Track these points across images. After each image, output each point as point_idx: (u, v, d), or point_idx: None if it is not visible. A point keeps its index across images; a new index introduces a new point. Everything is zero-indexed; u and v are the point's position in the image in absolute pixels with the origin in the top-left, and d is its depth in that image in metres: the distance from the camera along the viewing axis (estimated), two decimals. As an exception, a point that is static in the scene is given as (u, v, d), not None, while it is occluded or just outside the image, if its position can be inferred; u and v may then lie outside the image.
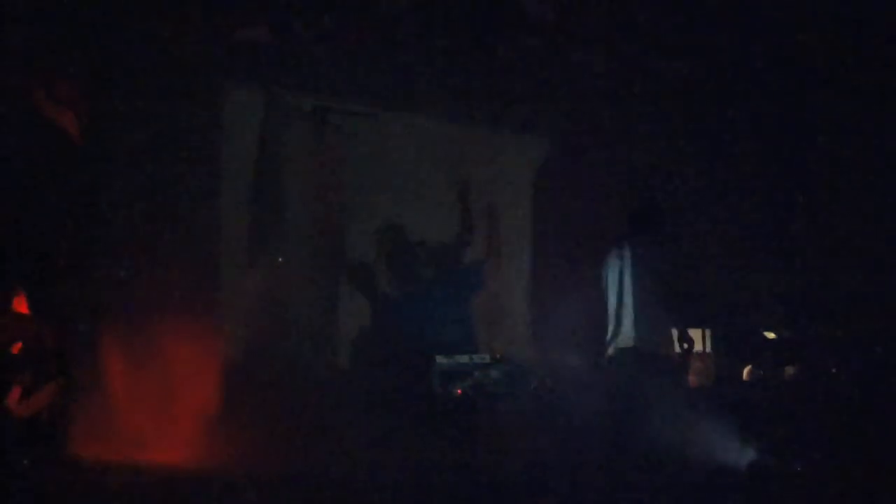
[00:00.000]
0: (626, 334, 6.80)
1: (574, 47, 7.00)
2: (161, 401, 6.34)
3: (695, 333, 7.08)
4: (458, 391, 6.20)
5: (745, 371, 7.08)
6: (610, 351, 6.82)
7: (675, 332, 6.90)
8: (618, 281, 6.78)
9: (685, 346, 6.86)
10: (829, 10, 6.51)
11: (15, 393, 5.94)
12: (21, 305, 6.01)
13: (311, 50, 6.61)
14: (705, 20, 6.83)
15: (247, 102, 6.91)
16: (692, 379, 7.02)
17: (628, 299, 6.90)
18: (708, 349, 7.44)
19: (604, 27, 6.93)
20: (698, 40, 7.05)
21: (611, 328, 6.87)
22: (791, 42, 6.95)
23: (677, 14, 6.82)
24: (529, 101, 7.38)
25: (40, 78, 6.27)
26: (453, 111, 7.47)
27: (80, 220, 6.35)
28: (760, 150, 7.40)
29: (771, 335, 7.19)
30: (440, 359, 6.31)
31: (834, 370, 6.93)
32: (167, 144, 6.52)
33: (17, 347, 5.93)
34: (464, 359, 6.36)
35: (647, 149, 7.73)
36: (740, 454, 6.32)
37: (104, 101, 6.40)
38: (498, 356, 6.59)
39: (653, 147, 7.65)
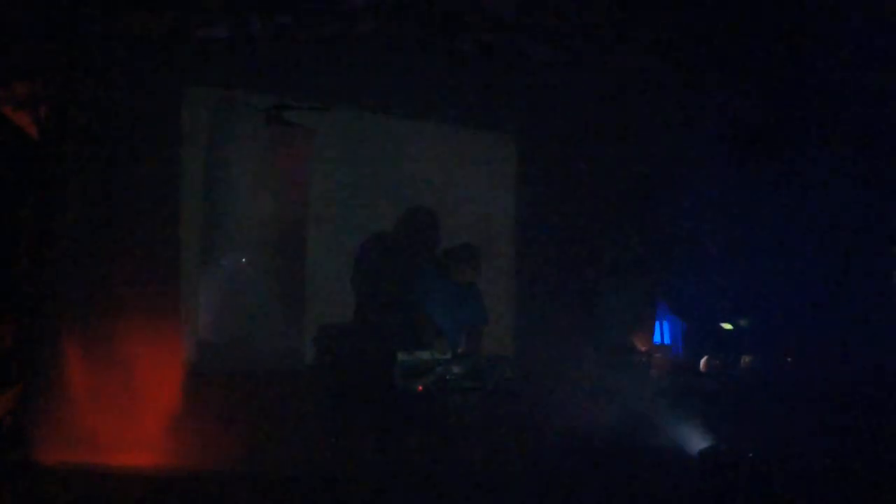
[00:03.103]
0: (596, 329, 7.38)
1: (533, 42, 7.37)
2: (123, 401, 6.74)
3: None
4: (419, 388, 6.55)
5: (703, 362, 7.64)
6: (577, 345, 7.38)
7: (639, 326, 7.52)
8: (585, 277, 7.35)
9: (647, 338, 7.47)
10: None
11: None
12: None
13: (268, 48, 6.95)
14: (668, 11, 7.21)
15: (203, 101, 7.23)
16: (652, 370, 7.56)
17: (596, 294, 7.48)
18: (666, 341, 8.01)
19: (563, 22, 7.30)
20: (660, 32, 7.45)
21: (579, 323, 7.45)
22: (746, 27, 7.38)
23: (639, 7, 7.22)
24: (490, 98, 7.80)
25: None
26: (412, 107, 7.88)
27: (39, 219, 6.76)
28: (722, 142, 7.87)
29: (728, 326, 7.75)
30: (401, 355, 6.58)
31: (789, 360, 7.51)
32: (125, 143, 6.91)
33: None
34: (424, 354, 6.64)
35: (612, 143, 8.24)
36: (697, 441, 6.92)
37: (62, 101, 6.77)
38: (460, 351, 6.97)
39: (617, 142, 8.14)
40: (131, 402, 6.76)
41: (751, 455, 6.68)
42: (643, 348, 7.53)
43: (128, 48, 6.83)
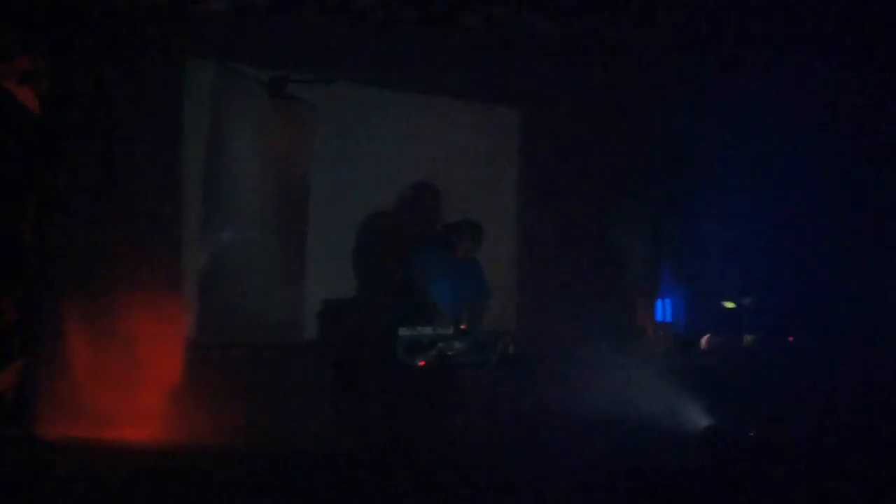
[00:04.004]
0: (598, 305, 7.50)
1: (537, 16, 7.41)
2: (126, 378, 6.82)
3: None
4: (421, 363, 6.66)
5: (704, 340, 7.77)
6: (580, 320, 7.49)
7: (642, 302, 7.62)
8: (590, 254, 7.45)
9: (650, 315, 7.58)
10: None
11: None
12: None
13: (271, 20, 6.99)
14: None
15: (204, 74, 7.33)
16: (654, 347, 7.69)
17: (599, 270, 7.59)
18: (668, 318, 8.13)
19: None
20: (668, 10, 7.51)
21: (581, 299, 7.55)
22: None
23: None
24: (496, 73, 7.85)
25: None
26: (417, 82, 7.99)
27: (41, 194, 6.82)
28: (724, 125, 7.94)
29: (730, 304, 7.87)
30: (403, 330, 6.66)
31: (791, 339, 7.63)
32: (125, 117, 6.96)
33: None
34: (426, 329, 6.71)
35: (617, 118, 8.31)
36: (698, 419, 7.04)
37: (61, 75, 6.81)
38: (462, 326, 7.08)
39: (622, 116, 8.20)
40: (132, 376, 6.84)
41: (752, 434, 6.81)
42: (646, 325, 7.65)
43: (127, 21, 6.85)
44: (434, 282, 7.19)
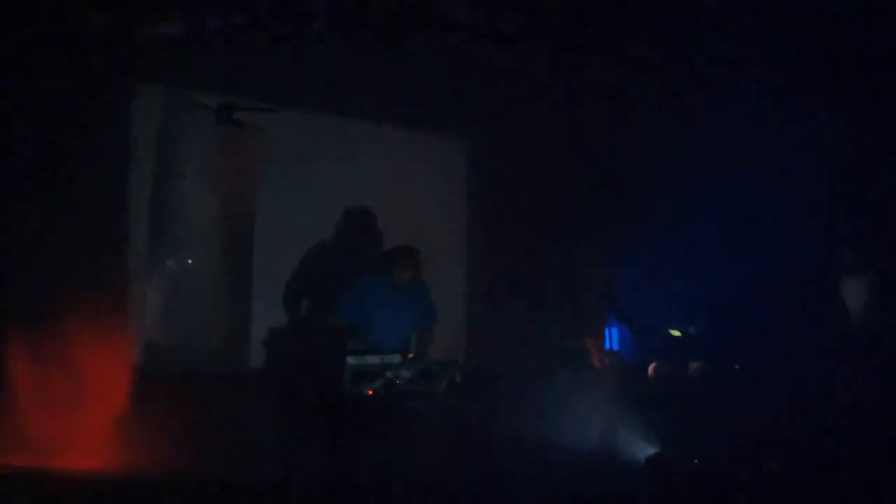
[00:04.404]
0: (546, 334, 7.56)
1: (492, 47, 7.51)
2: (67, 405, 6.77)
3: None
4: (370, 392, 6.67)
5: (651, 367, 7.87)
6: (528, 349, 7.55)
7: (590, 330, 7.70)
8: (538, 283, 7.52)
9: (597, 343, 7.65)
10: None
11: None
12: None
13: (220, 47, 7.02)
14: (625, 20, 7.43)
15: (151, 100, 7.33)
16: (601, 375, 7.76)
17: (547, 299, 7.65)
18: (615, 346, 8.22)
19: (522, 26, 7.46)
20: (616, 40, 7.65)
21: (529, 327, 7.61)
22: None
23: (597, 13, 7.39)
24: (445, 102, 7.98)
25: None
26: (367, 111, 8.05)
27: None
28: (672, 153, 8.09)
29: (676, 333, 7.98)
30: (351, 359, 6.65)
31: (737, 366, 7.75)
32: (71, 142, 6.97)
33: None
34: (374, 359, 6.70)
35: (567, 149, 8.41)
36: (643, 447, 7.13)
37: (5, 96, 6.79)
38: (410, 355, 7.11)
39: (573, 148, 8.31)
40: (77, 404, 6.80)
41: (697, 462, 6.90)
42: (593, 353, 7.72)
43: (76, 44, 6.87)
44: (376, 309, 7.20)
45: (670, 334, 7.99)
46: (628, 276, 7.95)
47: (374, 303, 7.20)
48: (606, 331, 8.12)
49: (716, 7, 7.20)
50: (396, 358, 6.81)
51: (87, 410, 6.82)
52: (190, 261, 7.55)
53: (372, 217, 8.20)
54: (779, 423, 7.17)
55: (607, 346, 8.15)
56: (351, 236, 8.19)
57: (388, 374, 6.69)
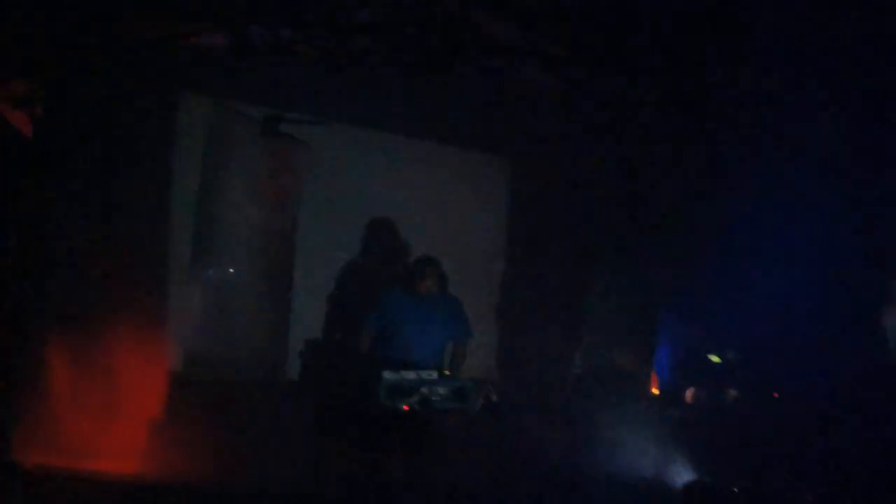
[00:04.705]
0: (581, 354, 7.54)
1: (533, 68, 7.55)
2: (105, 409, 6.86)
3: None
4: (405, 407, 6.69)
5: (689, 393, 7.81)
6: (566, 370, 7.53)
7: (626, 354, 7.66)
8: (577, 303, 7.50)
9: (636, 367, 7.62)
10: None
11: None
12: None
13: (267, 60, 7.11)
14: (666, 44, 7.44)
15: (200, 109, 7.45)
16: (638, 400, 7.73)
17: (585, 320, 7.63)
18: (653, 370, 8.17)
19: (563, 48, 7.50)
20: (656, 63, 7.66)
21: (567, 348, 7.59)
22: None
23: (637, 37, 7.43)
24: (484, 119, 7.99)
25: (-6, 76, 6.81)
26: (410, 127, 8.13)
27: (29, 222, 6.89)
28: (714, 177, 8.07)
29: (715, 359, 7.92)
30: (387, 374, 6.69)
31: (776, 395, 7.68)
32: (118, 149, 7.07)
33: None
34: (411, 374, 6.74)
35: (606, 170, 8.43)
36: (679, 473, 7.07)
37: (57, 103, 6.92)
38: (446, 372, 7.12)
39: (611, 168, 8.33)
40: (113, 407, 6.88)
41: (734, 490, 6.84)
42: (631, 376, 7.70)
43: (126, 52, 6.97)
44: (405, 322, 7.25)
45: (709, 360, 7.95)
46: (670, 300, 7.92)
47: (402, 315, 7.26)
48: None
49: (760, 37, 7.19)
50: (433, 374, 6.84)
51: (123, 415, 6.89)
52: (231, 270, 7.68)
53: (395, 230, 8.27)
54: (816, 453, 7.10)
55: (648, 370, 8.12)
56: (380, 249, 8.26)
57: (424, 390, 6.70)
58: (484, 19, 7.18)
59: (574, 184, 8.47)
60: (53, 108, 6.88)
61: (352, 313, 7.78)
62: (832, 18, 6.95)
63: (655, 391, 7.83)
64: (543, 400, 7.74)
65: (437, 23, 6.99)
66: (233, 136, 7.59)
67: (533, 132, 8.11)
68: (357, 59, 7.18)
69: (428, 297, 7.26)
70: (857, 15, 6.93)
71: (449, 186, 8.40)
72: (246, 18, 6.95)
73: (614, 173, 8.35)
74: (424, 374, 6.78)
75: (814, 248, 7.57)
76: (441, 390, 6.74)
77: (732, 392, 7.76)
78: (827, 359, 7.42)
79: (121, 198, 7.09)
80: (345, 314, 8.03)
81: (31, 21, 6.70)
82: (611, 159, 8.34)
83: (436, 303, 7.31)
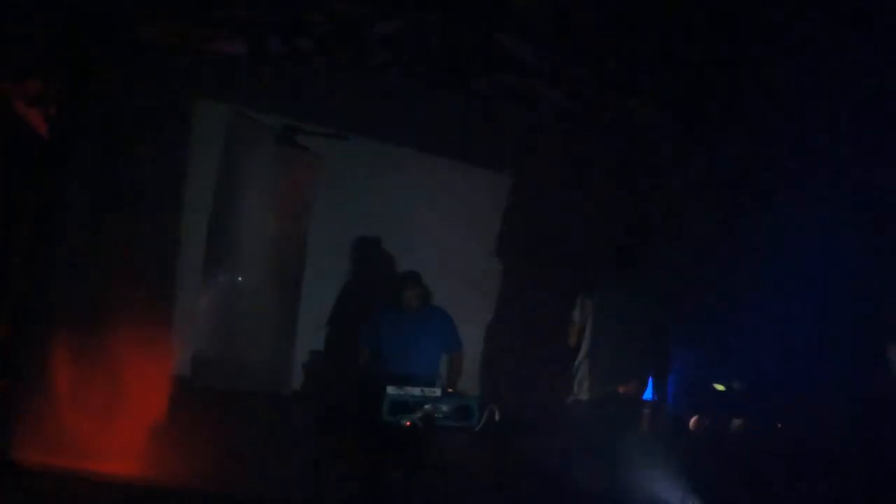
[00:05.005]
0: (583, 378, 7.51)
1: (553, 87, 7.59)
2: (109, 410, 6.94)
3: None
4: (408, 423, 6.71)
5: (692, 421, 7.81)
6: (571, 391, 7.52)
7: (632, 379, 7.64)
8: (582, 324, 7.49)
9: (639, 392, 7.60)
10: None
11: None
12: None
13: (285, 70, 7.17)
14: (685, 65, 7.45)
15: (215, 117, 7.47)
16: (641, 426, 7.71)
17: (588, 343, 7.60)
18: (656, 397, 8.15)
19: (583, 69, 7.54)
20: (676, 85, 7.69)
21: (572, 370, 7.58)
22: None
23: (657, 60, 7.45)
24: (504, 138, 8.06)
25: (12, 74, 6.85)
26: (427, 141, 8.13)
27: (38, 220, 6.98)
28: (724, 199, 8.09)
29: (720, 387, 7.92)
30: (391, 389, 6.68)
31: (780, 426, 7.67)
32: (132, 152, 7.19)
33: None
34: (415, 390, 6.72)
35: (622, 191, 8.45)
36: (680, 499, 7.05)
37: (73, 103, 7.00)
38: (450, 389, 7.14)
39: (614, 192, 8.36)
40: (117, 409, 6.95)
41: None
42: (633, 402, 7.67)
43: (143, 60, 7.09)
44: (394, 336, 7.32)
45: (714, 388, 7.95)
46: (675, 327, 7.90)
47: (391, 331, 7.34)
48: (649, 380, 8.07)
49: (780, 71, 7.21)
50: (436, 391, 6.85)
51: (126, 417, 6.95)
52: (240, 278, 7.70)
53: (377, 247, 8.28)
54: (819, 485, 7.09)
55: (647, 395, 8.10)
56: (383, 263, 8.25)
57: (428, 406, 6.72)
58: (503, 39, 7.24)
59: (582, 204, 8.49)
60: (68, 109, 6.96)
61: (353, 328, 7.81)
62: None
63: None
64: (547, 421, 7.73)
65: (455, 39, 7.04)
66: (248, 144, 7.62)
67: (540, 148, 8.18)
68: (373, 71, 7.25)
69: (414, 312, 7.36)
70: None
71: (459, 202, 8.37)
72: (264, 27, 7.03)
73: (618, 199, 8.38)
74: (428, 391, 6.78)
75: (823, 279, 7.57)
76: (444, 407, 6.73)
77: (736, 421, 7.76)
78: (833, 390, 7.42)
79: (132, 199, 7.18)
80: (348, 328, 8.00)
81: (51, 22, 6.79)
82: (621, 181, 8.37)
83: (422, 317, 7.39)
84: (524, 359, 8.43)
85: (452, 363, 7.53)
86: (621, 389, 7.53)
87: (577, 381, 7.53)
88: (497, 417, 6.88)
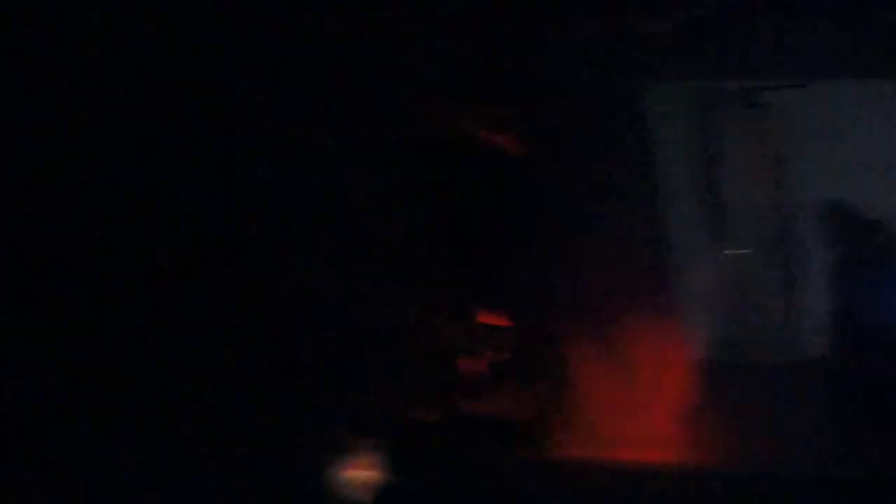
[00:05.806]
0: None
1: None
2: (631, 399, 7.19)
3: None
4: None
5: None
6: None
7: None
8: None
9: None
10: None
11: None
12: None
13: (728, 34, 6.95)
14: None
15: (669, 95, 7.51)
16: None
17: None
18: None
19: None
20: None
21: None
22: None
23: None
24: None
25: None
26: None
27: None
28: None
29: None
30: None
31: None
32: (603, 150, 7.45)
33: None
34: None
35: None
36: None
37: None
38: None
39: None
40: (640, 400, 7.19)
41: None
42: None
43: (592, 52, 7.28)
44: None
45: None
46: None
47: None
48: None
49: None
50: None
51: (648, 405, 7.15)
52: (742, 250, 7.63)
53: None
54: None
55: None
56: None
57: None
58: None
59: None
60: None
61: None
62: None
63: None
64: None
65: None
66: (715, 114, 7.55)
67: None
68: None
69: None
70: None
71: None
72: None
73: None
74: None
75: None
76: None
77: None
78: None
79: (615, 196, 7.44)
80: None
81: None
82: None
83: None
84: None
85: None
86: None
87: None
88: None
